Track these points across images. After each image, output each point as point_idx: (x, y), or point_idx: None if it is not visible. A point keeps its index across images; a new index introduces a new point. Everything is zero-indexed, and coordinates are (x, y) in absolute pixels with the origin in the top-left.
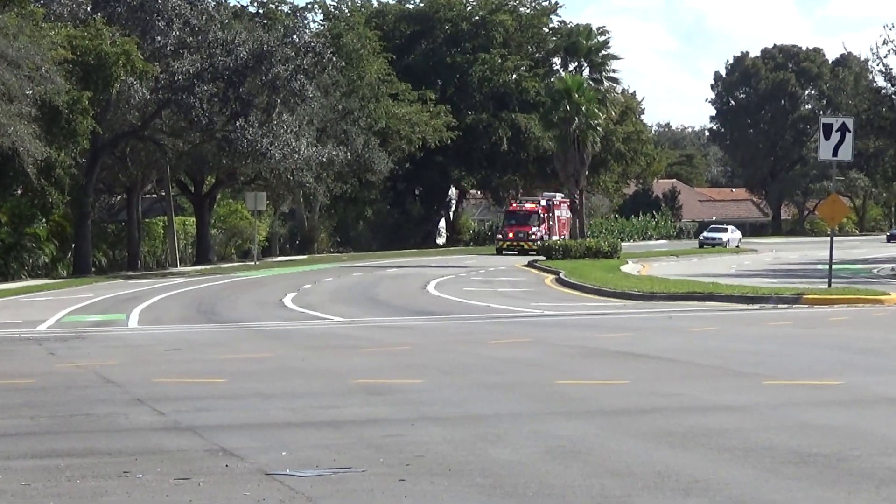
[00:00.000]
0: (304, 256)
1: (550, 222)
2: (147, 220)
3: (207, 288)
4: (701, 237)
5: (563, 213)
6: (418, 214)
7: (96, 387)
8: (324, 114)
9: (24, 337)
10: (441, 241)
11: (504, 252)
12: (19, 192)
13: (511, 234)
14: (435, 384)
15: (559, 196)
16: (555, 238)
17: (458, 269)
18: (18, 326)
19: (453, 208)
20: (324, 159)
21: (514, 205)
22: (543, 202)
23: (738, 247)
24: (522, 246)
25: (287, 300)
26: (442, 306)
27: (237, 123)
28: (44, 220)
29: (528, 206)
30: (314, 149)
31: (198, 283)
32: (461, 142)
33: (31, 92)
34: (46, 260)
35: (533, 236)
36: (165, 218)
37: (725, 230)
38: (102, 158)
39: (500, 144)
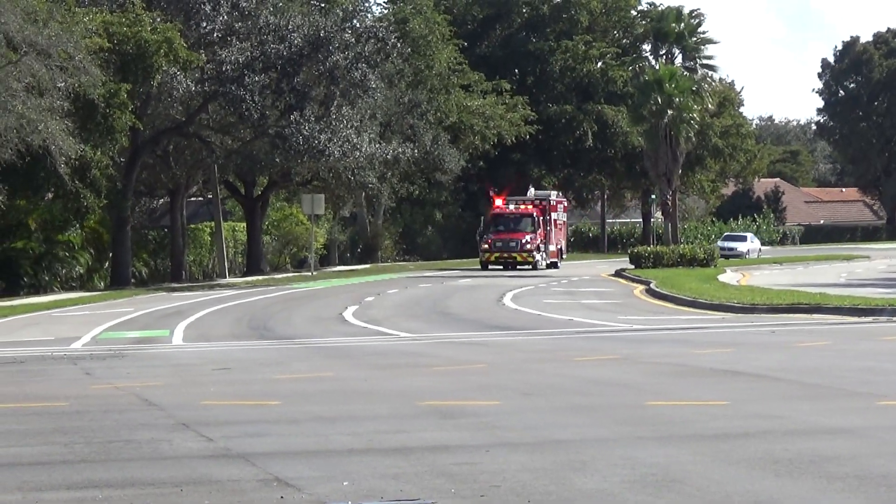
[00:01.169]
0: (367, 265)
1: (547, 227)
2: (192, 226)
3: (259, 301)
4: (717, 245)
5: (560, 216)
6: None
7: (137, 410)
8: (388, 107)
9: (57, 356)
10: None
11: (491, 267)
12: (51, 195)
13: (500, 244)
14: (513, 406)
15: (554, 195)
16: (551, 248)
17: (537, 279)
18: (51, 344)
19: None
20: (388, 157)
21: (502, 205)
22: (537, 202)
23: (757, 257)
24: (515, 259)
25: (348, 314)
26: (520, 320)
27: (292, 118)
28: (78, 226)
29: (522, 207)
30: (377, 145)
31: (249, 295)
32: (541, 137)
33: (63, 84)
34: (81, 270)
35: (528, 245)
36: (212, 223)
37: (744, 238)
38: (143, 157)
39: (584, 140)
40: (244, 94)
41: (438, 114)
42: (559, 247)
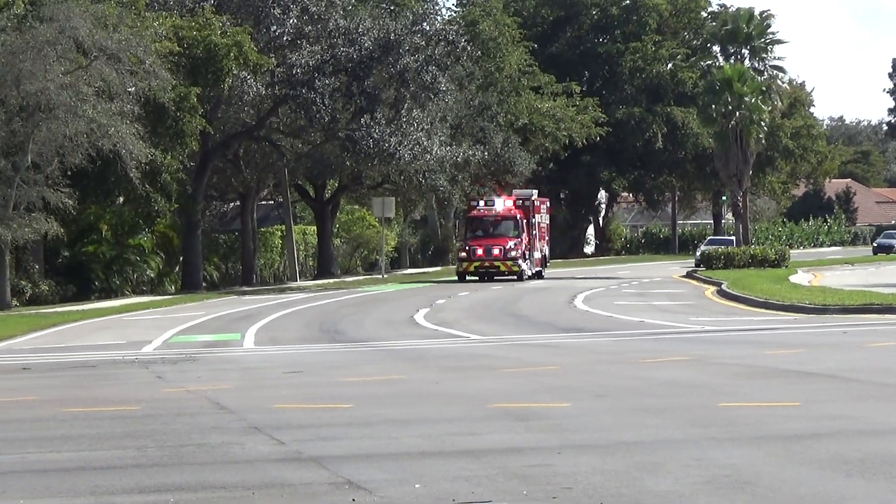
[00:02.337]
0: (438, 268)
1: (532, 232)
2: (263, 230)
3: (330, 304)
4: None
5: (544, 218)
6: (564, 220)
7: (208, 414)
8: (458, 109)
9: (128, 359)
10: (589, 249)
11: (468, 278)
12: (122, 199)
13: (480, 251)
14: (584, 408)
15: (535, 194)
16: (535, 255)
17: (608, 281)
18: (122, 348)
19: (603, 213)
20: (459, 160)
21: (481, 207)
22: (520, 202)
23: None
24: (498, 268)
25: (419, 317)
26: (591, 322)
27: (362, 121)
28: (148, 230)
29: (504, 207)
30: (448, 148)
31: (319, 298)
32: (611, 139)
33: (133, 88)
34: (152, 274)
35: (512, 253)
36: (283, 227)
37: (731, 242)
38: (213, 161)
39: (654, 142)
40: (314, 98)
41: (509, 116)
42: (543, 253)
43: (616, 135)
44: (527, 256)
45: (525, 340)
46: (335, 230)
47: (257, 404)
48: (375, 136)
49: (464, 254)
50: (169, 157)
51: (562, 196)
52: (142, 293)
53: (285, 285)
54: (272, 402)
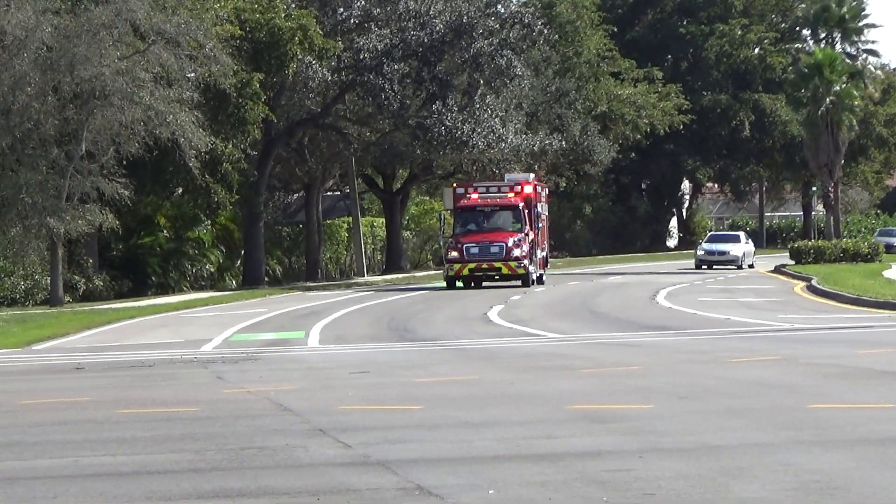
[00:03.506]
0: None
1: (537, 225)
2: (328, 222)
3: (399, 300)
4: (700, 252)
5: (544, 209)
6: (646, 212)
7: (271, 415)
8: (534, 95)
9: (186, 359)
10: (672, 243)
11: (458, 284)
12: (180, 190)
13: (475, 250)
14: (666, 410)
15: (532, 178)
16: (539, 254)
17: (692, 276)
18: (180, 347)
19: (686, 205)
20: (535, 148)
21: (474, 195)
22: (518, 188)
23: (750, 265)
24: (500, 270)
25: (492, 314)
26: (674, 320)
27: (433, 107)
28: (208, 222)
29: (502, 195)
30: (524, 136)
31: (388, 294)
32: (695, 127)
33: (193, 74)
34: (212, 269)
35: (515, 252)
36: (350, 219)
37: (737, 239)
38: (276, 150)
39: (740, 129)
40: (383, 84)
41: (587, 103)
42: (545, 253)
43: (700, 122)
44: (533, 257)
45: (605, 339)
46: (405, 222)
47: (322, 406)
48: (447, 123)
49: (454, 254)
50: (230, 146)
51: (643, 187)
52: (201, 289)
53: (352, 280)
54: (338, 404)
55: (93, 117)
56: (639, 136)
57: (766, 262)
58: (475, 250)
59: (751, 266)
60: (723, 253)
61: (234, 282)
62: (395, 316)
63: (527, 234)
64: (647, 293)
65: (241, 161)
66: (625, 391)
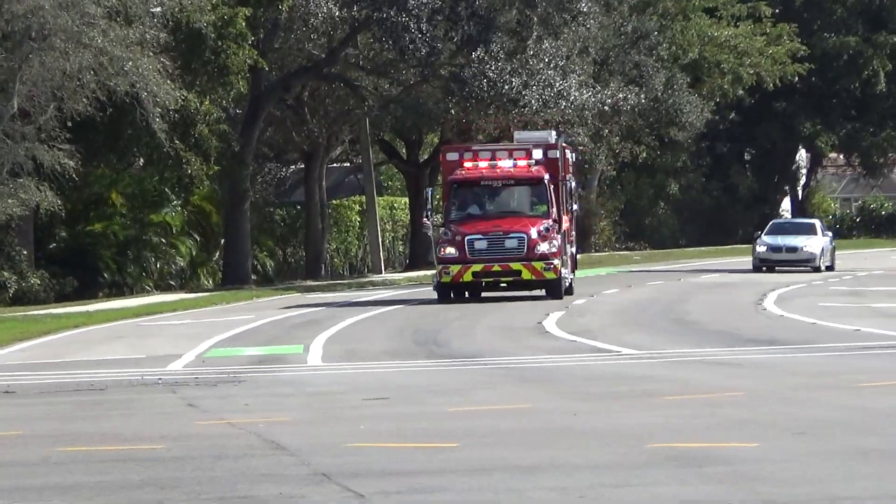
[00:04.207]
0: (578, 255)
1: (570, 208)
2: (335, 202)
3: (428, 306)
4: (760, 248)
5: (572, 183)
6: (749, 191)
7: (260, 455)
8: (604, 39)
9: (149, 380)
10: None
11: (454, 291)
12: (141, 160)
13: (482, 243)
14: (778, 450)
15: (553, 137)
16: (569, 249)
17: (811, 275)
18: (141, 365)
19: (803, 181)
20: (605, 107)
21: (477, 164)
22: (542, 153)
23: (828, 266)
24: (520, 274)
25: (550, 323)
26: (788, 332)
27: (473, 55)
28: (178, 202)
29: (523, 164)
30: (590, 91)
31: (413, 296)
32: (815, 80)
33: (159, 9)
34: (182, 263)
35: (543, 248)
36: (363, 199)
37: (811, 229)
38: (268, 108)
39: (874, 83)
40: (407, 21)
41: (673, 48)
42: (574, 249)
43: (822, 74)
44: (564, 253)
45: (695, 356)
46: (434, 203)
47: (326, 442)
48: (491, 74)
49: (451, 250)
50: (207, 103)
51: (746, 158)
52: (168, 289)
53: (366, 278)
54: (347, 440)
55: (28, 65)
56: (741, 92)
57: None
58: (482, 245)
59: (829, 267)
60: (793, 249)
61: (211, 280)
62: (421, 325)
63: (556, 222)
64: (751, 296)
65: (222, 122)
66: (723, 425)
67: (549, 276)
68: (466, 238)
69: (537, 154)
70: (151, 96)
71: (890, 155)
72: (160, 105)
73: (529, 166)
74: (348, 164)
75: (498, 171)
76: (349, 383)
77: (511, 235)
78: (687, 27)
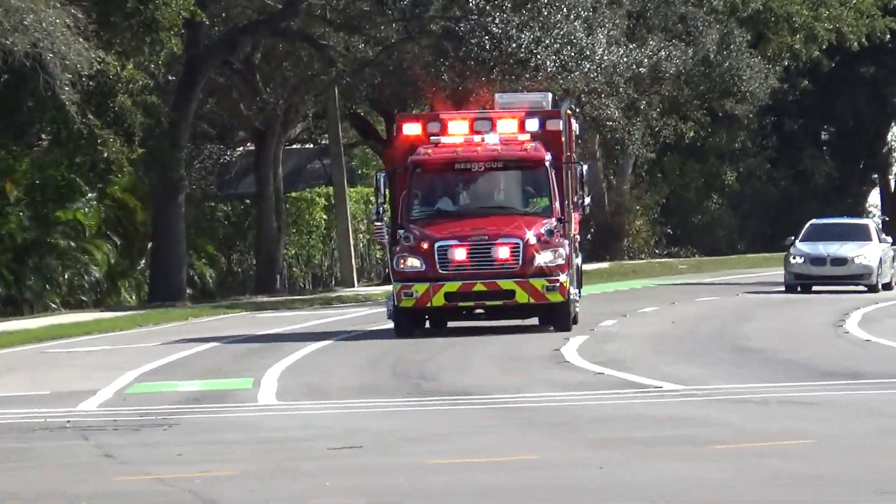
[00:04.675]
0: (604, 263)
1: (583, 201)
2: (294, 195)
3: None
4: (795, 260)
5: (582, 163)
6: (828, 180)
7: None
8: None
9: (53, 423)
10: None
11: (418, 320)
12: (45, 140)
13: (459, 254)
14: None
15: (548, 101)
16: (575, 260)
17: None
18: (44, 403)
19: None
20: (642, 71)
21: (449, 138)
22: (538, 121)
23: (886, 284)
24: (513, 296)
25: (569, 350)
26: (875, 361)
27: (470, 3)
28: (94, 195)
29: (513, 139)
30: (623, 51)
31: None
32: None
33: None
34: (98, 273)
35: (544, 260)
36: (330, 190)
37: (863, 233)
38: (208, 74)
39: None
40: None
41: None
42: (579, 260)
43: None
44: (571, 265)
45: (755, 392)
46: None
47: (283, 503)
48: (495, 29)
49: (413, 261)
50: (130, 67)
51: (824, 138)
52: (79, 306)
53: (333, 293)
54: (308, 499)
55: None
56: (817, 53)
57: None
58: (459, 255)
59: (887, 286)
60: (841, 261)
61: (134, 295)
62: (404, 353)
63: (561, 222)
64: (828, 316)
65: (149, 92)
66: (783, 483)
67: (554, 297)
68: (437, 245)
69: (532, 125)
70: (58, 58)
71: None
72: (70, 70)
73: (523, 142)
74: (311, 146)
75: (479, 148)
76: (312, 427)
77: (501, 241)
78: None
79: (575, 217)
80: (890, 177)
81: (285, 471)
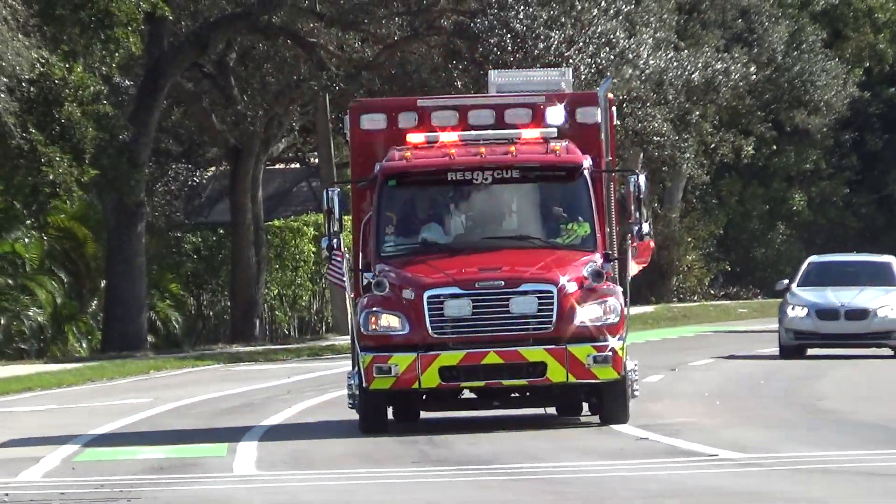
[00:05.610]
0: (649, 308)
1: (634, 217)
2: (276, 224)
3: None
4: (793, 312)
5: (640, 173)
6: None
7: None
8: None
9: None
10: None
11: (375, 415)
12: None
13: (464, 307)
14: None
15: (567, 80)
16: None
17: None
18: None
19: None
20: (695, 79)
21: (431, 134)
22: (557, 115)
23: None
24: (540, 371)
25: None
26: None
27: None
28: (35, 222)
29: (519, 136)
30: (672, 54)
31: None
32: None
33: None
34: (40, 318)
35: (590, 315)
36: (320, 218)
37: (888, 275)
38: (174, 79)
39: None
40: None
41: None
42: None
43: None
44: (627, 321)
45: (835, 461)
46: None
47: None
48: (518, 26)
49: (389, 319)
50: (80, 70)
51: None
52: (19, 356)
53: (324, 341)
54: None
55: None
56: None
57: None
58: (463, 309)
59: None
60: (856, 314)
61: (85, 343)
62: None
63: (608, 260)
64: None
65: (103, 100)
66: None
67: (605, 374)
68: (427, 295)
69: (555, 117)
70: None
71: None
72: (6, 73)
73: (547, 141)
74: (297, 166)
75: (483, 150)
76: (297, 502)
77: (523, 288)
78: None
79: (633, 245)
80: None
81: None
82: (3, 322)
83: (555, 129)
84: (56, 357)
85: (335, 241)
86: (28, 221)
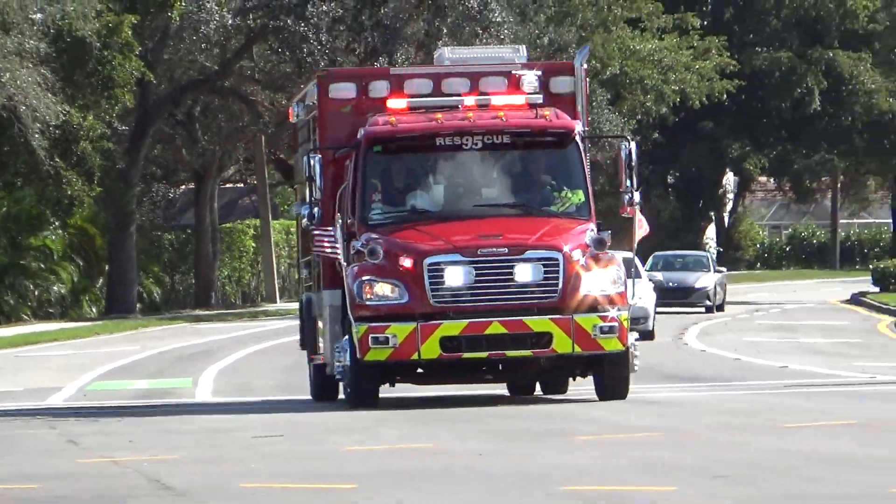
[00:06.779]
0: None
1: (625, 186)
2: (228, 226)
3: None
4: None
5: (630, 141)
6: (671, 217)
7: (145, 496)
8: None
9: (26, 414)
10: None
11: (368, 387)
12: (18, 180)
13: (466, 275)
14: (699, 495)
15: (522, 54)
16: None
17: (736, 307)
18: (16, 398)
19: (730, 207)
20: None
21: (409, 99)
22: (532, 80)
23: (719, 306)
24: (546, 341)
25: None
26: (710, 368)
27: (376, 66)
28: (59, 225)
29: (505, 101)
30: None
31: None
32: (744, 98)
33: (39, 15)
34: (63, 291)
35: (596, 285)
36: (257, 222)
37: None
38: (156, 124)
39: (807, 102)
40: (305, 31)
41: (593, 62)
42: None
43: (751, 92)
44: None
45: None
46: None
47: (216, 482)
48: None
49: (384, 288)
50: (90, 118)
51: (669, 181)
52: (47, 318)
53: (259, 308)
54: (238, 480)
55: None
56: (664, 110)
57: (840, 288)
58: (464, 275)
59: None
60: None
61: (94, 308)
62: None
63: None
64: (671, 330)
65: (106, 139)
66: (639, 467)
67: (611, 346)
68: (427, 262)
69: (529, 83)
70: (30, 110)
71: (822, 179)
72: (40, 120)
73: (532, 106)
74: (242, 185)
75: (471, 115)
76: (241, 419)
77: (528, 255)
78: (608, 40)
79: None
80: (724, 214)
81: (219, 456)
82: (37, 293)
83: (540, 96)
84: (73, 318)
85: (316, 209)
86: (54, 223)
